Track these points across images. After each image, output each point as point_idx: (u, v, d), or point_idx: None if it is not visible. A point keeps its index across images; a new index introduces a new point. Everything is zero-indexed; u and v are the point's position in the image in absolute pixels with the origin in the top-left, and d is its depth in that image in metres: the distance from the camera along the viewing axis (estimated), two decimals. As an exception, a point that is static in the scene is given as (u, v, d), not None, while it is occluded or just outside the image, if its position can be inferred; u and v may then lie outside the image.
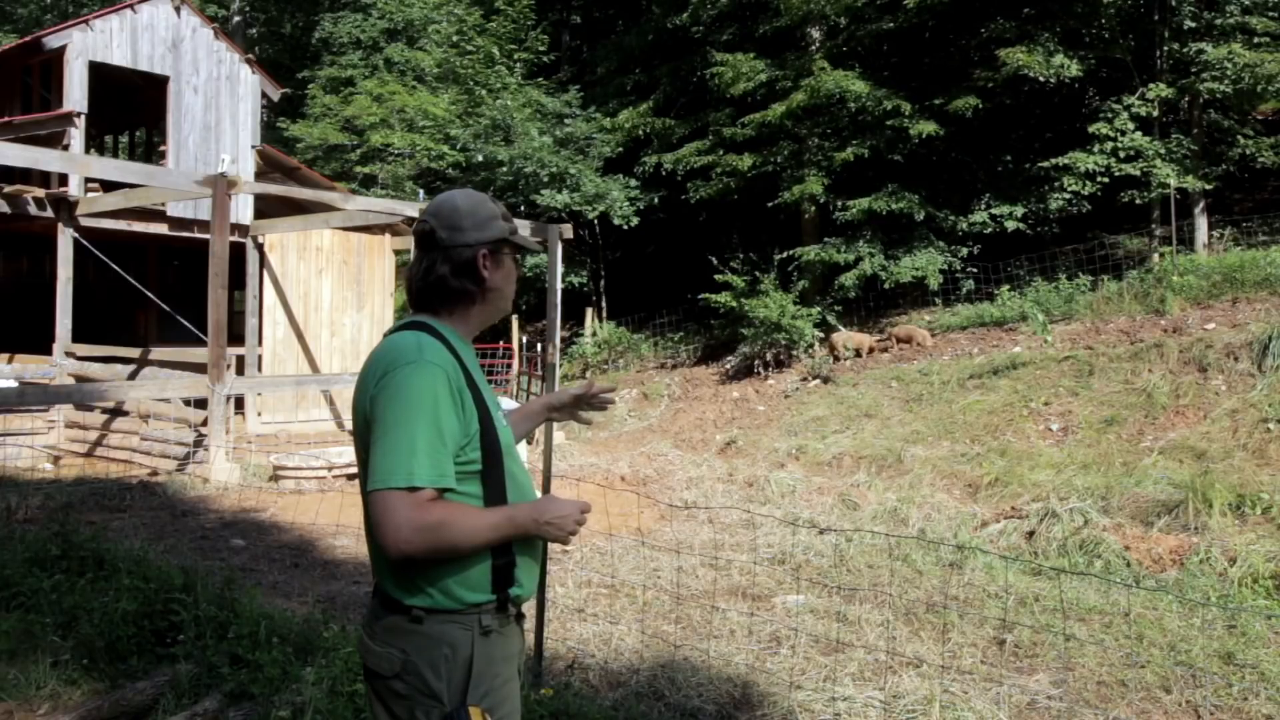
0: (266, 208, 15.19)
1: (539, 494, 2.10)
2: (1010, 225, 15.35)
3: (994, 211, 15.58)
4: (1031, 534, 7.57)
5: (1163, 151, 14.33)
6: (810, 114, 16.71)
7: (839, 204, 16.32)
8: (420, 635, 1.85)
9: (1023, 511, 8.08)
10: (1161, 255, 14.73)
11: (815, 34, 17.60)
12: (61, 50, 13.17)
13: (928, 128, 15.09)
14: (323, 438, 13.65)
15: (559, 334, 14.79)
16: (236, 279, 14.17)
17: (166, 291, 15.90)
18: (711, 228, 20.98)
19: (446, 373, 1.84)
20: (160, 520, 8.12)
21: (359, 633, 2.00)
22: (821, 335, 16.03)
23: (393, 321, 15.24)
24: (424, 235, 2.00)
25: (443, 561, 1.84)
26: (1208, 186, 14.60)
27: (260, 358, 14.20)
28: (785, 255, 16.90)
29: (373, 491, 1.78)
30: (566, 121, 20.17)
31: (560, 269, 13.85)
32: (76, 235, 12.86)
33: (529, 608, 4.42)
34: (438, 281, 1.98)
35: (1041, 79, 14.70)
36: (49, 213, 12.82)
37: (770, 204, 17.30)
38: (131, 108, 17.39)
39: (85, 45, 13.26)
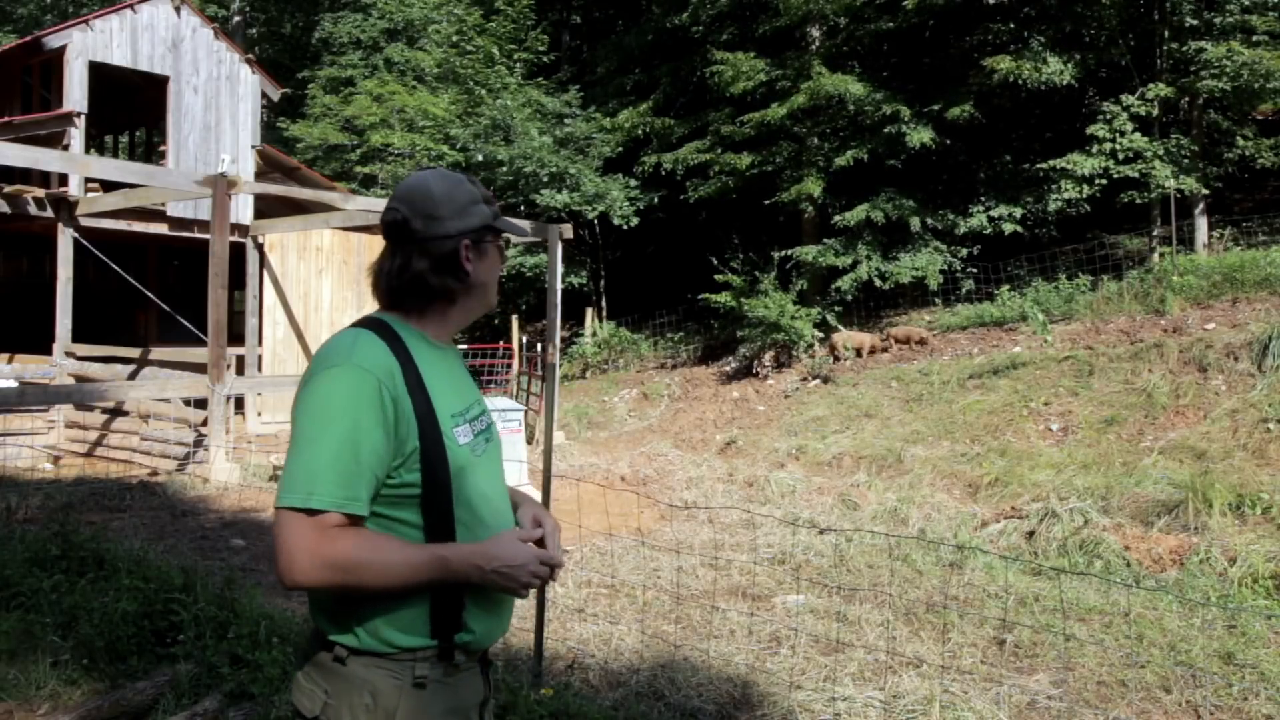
0: (266, 208, 15.20)
1: (517, 521, 1.85)
2: (1008, 228, 15.35)
3: (992, 213, 15.59)
4: (1031, 534, 7.57)
5: (1161, 153, 14.32)
6: (810, 114, 16.73)
7: (838, 204, 16.35)
8: (342, 677, 1.63)
9: (1023, 511, 8.08)
10: (1161, 255, 14.73)
11: (815, 33, 17.61)
12: (61, 50, 13.17)
13: (924, 136, 15.14)
14: (323, 438, 13.63)
15: (559, 334, 14.79)
16: (236, 279, 14.17)
17: (166, 291, 15.91)
18: (711, 227, 20.99)
19: (378, 379, 1.60)
20: (160, 520, 8.12)
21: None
22: (821, 335, 16.03)
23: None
24: (395, 226, 1.73)
25: (368, 596, 1.60)
26: (1205, 191, 14.59)
27: (260, 358, 14.20)
28: (784, 255, 16.92)
29: (277, 510, 1.57)
30: (566, 121, 20.18)
31: (560, 269, 13.85)
32: (76, 235, 12.86)
33: (529, 610, 4.43)
34: (415, 279, 1.72)
35: (1032, 86, 14.71)
36: (49, 213, 12.83)
37: (768, 202, 17.31)
38: (131, 108, 17.40)
39: (85, 45, 13.26)
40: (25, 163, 9.99)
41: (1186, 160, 14.40)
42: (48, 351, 13.34)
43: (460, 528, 1.68)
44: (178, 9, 14.24)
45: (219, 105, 14.69)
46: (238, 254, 13.28)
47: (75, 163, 11.57)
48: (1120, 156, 14.40)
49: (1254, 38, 13.91)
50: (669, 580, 6.28)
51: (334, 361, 1.62)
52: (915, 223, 15.45)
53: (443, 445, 1.66)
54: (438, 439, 1.66)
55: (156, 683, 3.94)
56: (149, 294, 13.57)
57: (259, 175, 15.17)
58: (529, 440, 12.94)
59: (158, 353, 14.34)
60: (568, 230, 14.12)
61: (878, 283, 15.87)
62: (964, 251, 15.96)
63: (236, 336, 14.21)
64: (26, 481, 9.86)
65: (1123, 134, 14.46)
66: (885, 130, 15.58)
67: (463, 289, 1.77)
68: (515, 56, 21.43)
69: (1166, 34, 14.86)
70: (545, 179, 18.90)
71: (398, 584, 1.60)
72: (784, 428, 13.26)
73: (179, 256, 18.32)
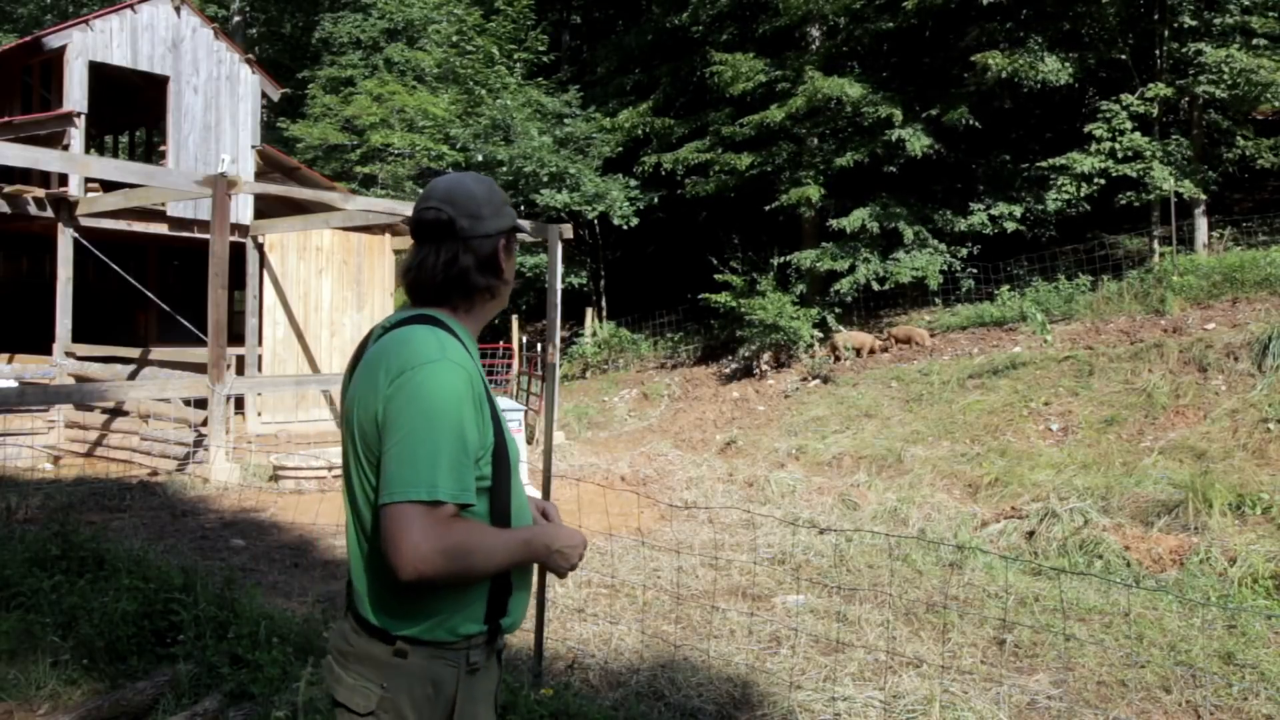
0: (266, 208, 15.19)
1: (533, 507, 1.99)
2: (1009, 227, 15.35)
3: (992, 213, 15.58)
4: (1031, 534, 7.57)
5: (1160, 154, 14.30)
6: (809, 115, 16.74)
7: (837, 206, 16.37)
8: (403, 671, 1.68)
9: (1023, 511, 8.08)
10: (1161, 255, 14.72)
11: (815, 33, 17.60)
12: (61, 50, 13.17)
13: (923, 142, 15.13)
14: (323, 438, 13.65)
15: (559, 334, 14.79)
16: (236, 279, 14.16)
17: (166, 291, 15.91)
18: (711, 228, 20.99)
19: (470, 376, 1.69)
20: (160, 520, 8.12)
21: (329, 655, 1.82)
22: (821, 336, 16.04)
23: (393, 321, 15.22)
24: (440, 224, 1.80)
25: (443, 587, 1.67)
26: (1203, 196, 14.58)
27: (260, 358, 14.19)
28: (783, 261, 16.94)
29: (387, 505, 1.60)
30: (566, 121, 20.17)
31: (560, 269, 13.85)
32: (76, 235, 12.86)
33: (529, 610, 4.44)
34: (461, 275, 1.81)
35: (1029, 84, 14.70)
36: (49, 213, 12.82)
37: (767, 208, 17.27)
38: (131, 108, 17.39)
39: (85, 45, 13.26)
40: (25, 163, 9.99)
41: (1188, 164, 14.39)
42: (48, 351, 13.33)
43: (513, 513, 1.80)
44: (178, 9, 14.23)
45: (219, 105, 14.68)
46: (238, 254, 13.27)
47: (75, 163, 11.56)
48: (1119, 155, 14.40)
49: (1253, 40, 13.89)
50: (669, 580, 6.27)
51: (430, 358, 1.66)
52: (909, 234, 15.48)
53: (505, 440, 1.77)
54: (503, 434, 1.77)
55: (156, 683, 3.94)
56: (149, 294, 13.56)
57: (259, 175, 15.16)
58: (529, 440, 12.95)
59: (158, 353, 14.33)
60: (568, 230, 14.11)
61: (876, 285, 15.89)
62: (964, 251, 15.96)
63: (236, 336, 14.20)
64: (26, 481, 9.85)
65: (1122, 133, 14.46)
66: (884, 135, 15.57)
67: (499, 285, 1.89)
68: (515, 56, 21.42)
69: (1166, 34, 14.84)
70: (545, 179, 18.90)
71: (496, 565, 1.70)
72: (784, 428, 13.26)
73: (179, 256, 18.32)
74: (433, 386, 1.63)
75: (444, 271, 1.80)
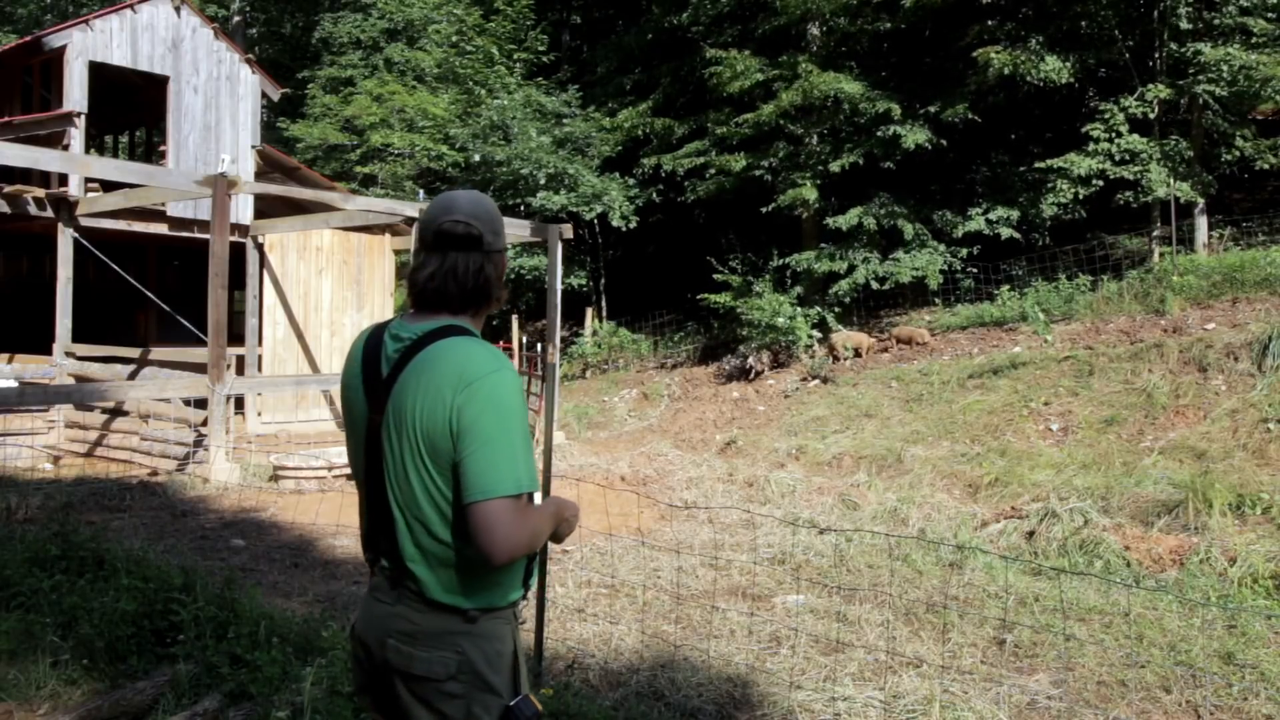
0: (266, 208, 15.19)
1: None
2: (1004, 234, 15.31)
3: (990, 216, 15.54)
4: (1031, 534, 7.57)
5: (1158, 154, 14.28)
6: (805, 113, 16.71)
7: (834, 207, 16.36)
8: (475, 635, 1.92)
9: (1023, 511, 8.08)
10: (1161, 255, 14.71)
11: (814, 33, 17.60)
12: (61, 50, 13.16)
13: (920, 137, 15.10)
14: (323, 438, 13.64)
15: (559, 334, 14.78)
16: (236, 279, 14.16)
17: (166, 291, 15.90)
18: (711, 228, 20.98)
19: (518, 378, 1.92)
20: (160, 520, 8.12)
21: (389, 639, 1.95)
22: (820, 336, 16.03)
23: (393, 321, 15.21)
24: (469, 238, 1.97)
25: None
26: (1201, 200, 14.56)
27: (260, 358, 14.20)
28: (782, 263, 16.92)
29: (478, 502, 1.79)
30: (565, 121, 20.16)
31: (560, 269, 13.85)
32: (76, 235, 12.86)
33: (529, 610, 4.44)
34: (485, 284, 2.00)
35: (1029, 81, 14.67)
36: (49, 213, 12.82)
37: (764, 209, 17.23)
38: (131, 108, 17.39)
39: (85, 45, 13.25)
40: (25, 163, 9.98)
41: (1184, 166, 14.38)
42: (48, 351, 13.33)
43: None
44: (178, 9, 14.23)
45: (219, 105, 14.67)
46: (238, 254, 13.27)
47: (75, 163, 11.56)
48: (1117, 157, 14.38)
49: (1252, 39, 13.88)
50: (669, 580, 6.27)
51: (493, 367, 1.87)
52: (909, 230, 15.46)
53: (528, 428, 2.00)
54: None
55: (156, 683, 3.94)
56: (149, 294, 13.56)
57: (259, 175, 15.16)
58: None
59: (158, 353, 14.33)
60: (568, 230, 14.10)
61: (876, 285, 15.88)
62: (964, 252, 15.95)
63: (236, 336, 14.20)
64: (26, 481, 9.85)
65: (1119, 134, 14.44)
66: (880, 131, 15.54)
67: (504, 294, 2.11)
68: (515, 56, 21.42)
69: (1165, 35, 14.83)
70: (543, 179, 18.88)
71: (547, 536, 2.02)
72: (784, 428, 13.25)
73: (179, 256, 18.32)
74: (502, 393, 1.84)
75: (474, 278, 1.99)
